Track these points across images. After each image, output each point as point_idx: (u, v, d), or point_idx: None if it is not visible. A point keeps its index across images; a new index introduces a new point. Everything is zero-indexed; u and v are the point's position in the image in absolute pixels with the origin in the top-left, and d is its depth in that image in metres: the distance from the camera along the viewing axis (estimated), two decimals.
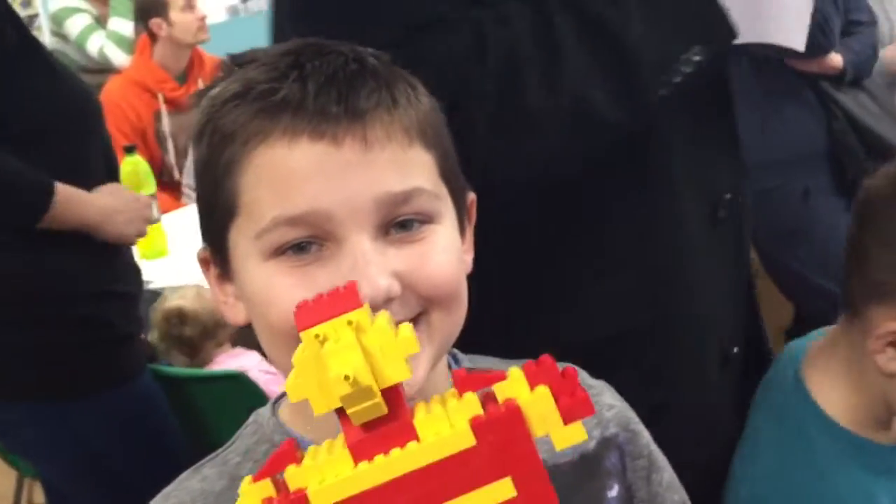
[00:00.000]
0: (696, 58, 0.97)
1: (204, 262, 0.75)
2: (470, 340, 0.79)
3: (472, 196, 0.78)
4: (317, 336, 0.53)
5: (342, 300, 0.55)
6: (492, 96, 0.92)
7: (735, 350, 1.18)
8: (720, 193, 1.13)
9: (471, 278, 0.74)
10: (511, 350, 0.91)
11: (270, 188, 0.66)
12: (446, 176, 0.71)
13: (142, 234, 1.94)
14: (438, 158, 0.71)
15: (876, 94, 2.22)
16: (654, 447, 0.85)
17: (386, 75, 0.69)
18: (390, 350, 0.52)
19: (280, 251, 0.66)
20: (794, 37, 1.13)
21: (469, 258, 0.76)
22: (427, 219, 0.68)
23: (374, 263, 0.64)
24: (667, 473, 0.85)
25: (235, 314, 0.73)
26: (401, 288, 0.65)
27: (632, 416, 0.84)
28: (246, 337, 2.27)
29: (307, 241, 0.66)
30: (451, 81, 0.90)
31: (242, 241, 0.68)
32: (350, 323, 0.53)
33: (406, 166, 0.67)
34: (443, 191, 0.70)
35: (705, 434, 1.17)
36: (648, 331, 1.07)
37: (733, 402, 1.22)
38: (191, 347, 2.27)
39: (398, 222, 0.67)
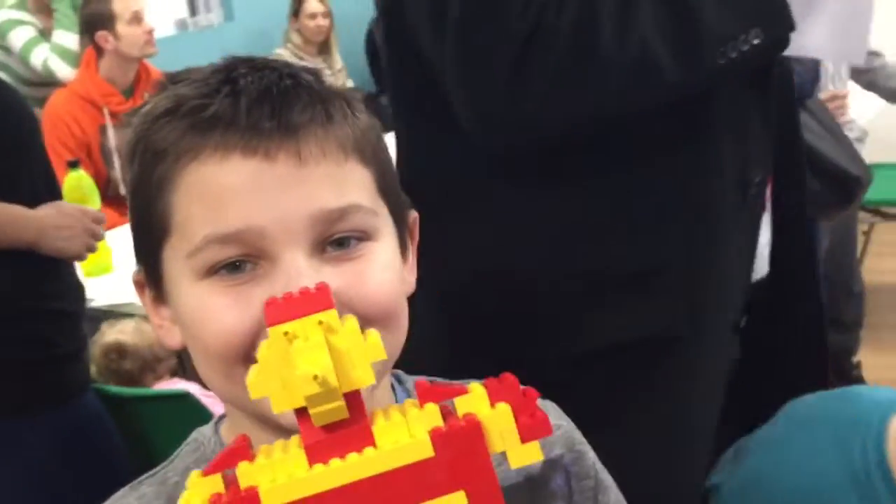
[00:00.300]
0: (755, 40, 1.04)
1: (139, 285, 0.73)
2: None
3: (413, 215, 0.76)
4: (286, 333, 0.52)
5: (313, 300, 0.54)
6: (567, 34, 1.00)
7: (744, 321, 1.31)
8: (752, 172, 1.22)
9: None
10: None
11: (202, 206, 0.64)
12: (385, 193, 0.70)
13: (90, 248, 1.91)
14: (376, 175, 0.69)
15: (818, 114, 2.25)
16: (600, 467, 0.84)
17: (320, 91, 0.68)
18: (358, 354, 0.52)
19: (213, 271, 0.64)
20: (855, 51, 1.19)
21: (412, 279, 0.75)
22: (364, 236, 0.67)
23: (309, 281, 0.62)
24: (613, 493, 0.84)
25: (171, 338, 0.71)
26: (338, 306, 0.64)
27: (577, 436, 0.83)
28: (185, 368, 2.27)
29: (241, 259, 0.64)
30: (530, 16, 1.00)
31: (175, 262, 0.67)
32: (321, 323, 0.52)
33: (342, 182, 0.66)
34: (381, 208, 0.69)
35: (710, 373, 1.26)
36: (678, 269, 1.16)
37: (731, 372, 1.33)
38: (130, 381, 2.25)
39: (335, 240, 0.65)
